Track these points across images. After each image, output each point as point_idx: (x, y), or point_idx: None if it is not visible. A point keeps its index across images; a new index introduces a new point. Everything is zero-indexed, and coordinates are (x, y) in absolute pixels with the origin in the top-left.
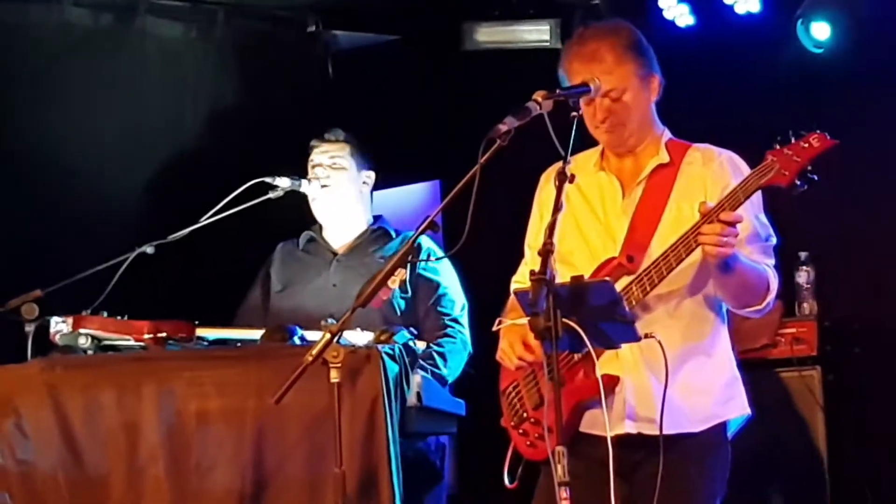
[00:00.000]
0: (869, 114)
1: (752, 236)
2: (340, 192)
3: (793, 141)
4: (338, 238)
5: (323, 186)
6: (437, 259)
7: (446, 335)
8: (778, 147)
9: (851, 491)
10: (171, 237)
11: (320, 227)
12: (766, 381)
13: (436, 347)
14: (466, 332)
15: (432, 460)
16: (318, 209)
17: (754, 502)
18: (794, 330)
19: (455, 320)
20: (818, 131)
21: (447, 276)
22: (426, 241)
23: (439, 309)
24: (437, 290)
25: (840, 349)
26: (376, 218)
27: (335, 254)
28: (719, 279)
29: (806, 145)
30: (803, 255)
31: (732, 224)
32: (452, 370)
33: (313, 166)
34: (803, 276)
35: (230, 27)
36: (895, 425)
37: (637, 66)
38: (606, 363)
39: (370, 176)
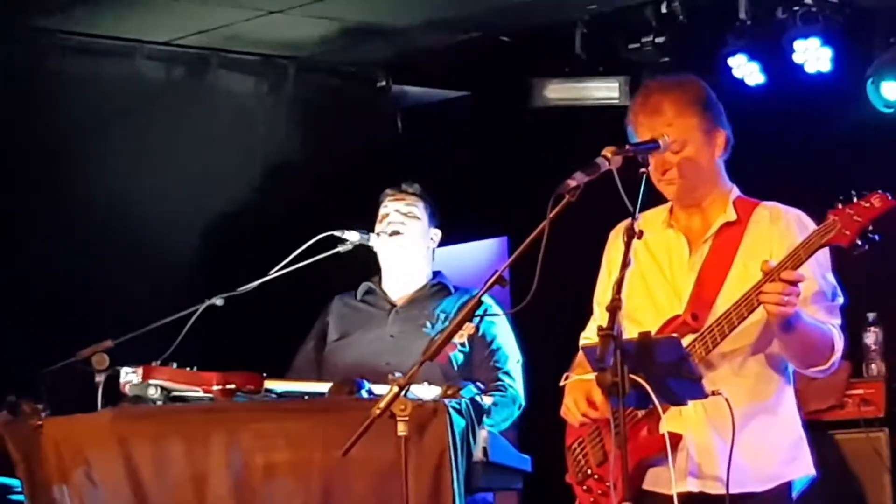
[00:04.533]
0: None
1: (818, 296)
2: (410, 242)
3: (855, 200)
4: (397, 289)
5: (394, 233)
6: (498, 315)
7: (497, 388)
8: (840, 206)
9: None
10: (241, 289)
11: (380, 278)
12: (833, 443)
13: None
14: (518, 386)
15: None
16: (386, 257)
17: None
18: (861, 391)
19: (507, 373)
20: (880, 191)
21: (502, 332)
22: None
23: (493, 363)
24: (490, 346)
25: None
26: (435, 273)
27: (393, 305)
28: (782, 338)
29: (867, 205)
30: (871, 315)
31: (794, 283)
32: (497, 423)
33: (386, 213)
34: (871, 337)
35: (300, 82)
36: None
37: (701, 120)
38: (669, 420)
39: (437, 234)
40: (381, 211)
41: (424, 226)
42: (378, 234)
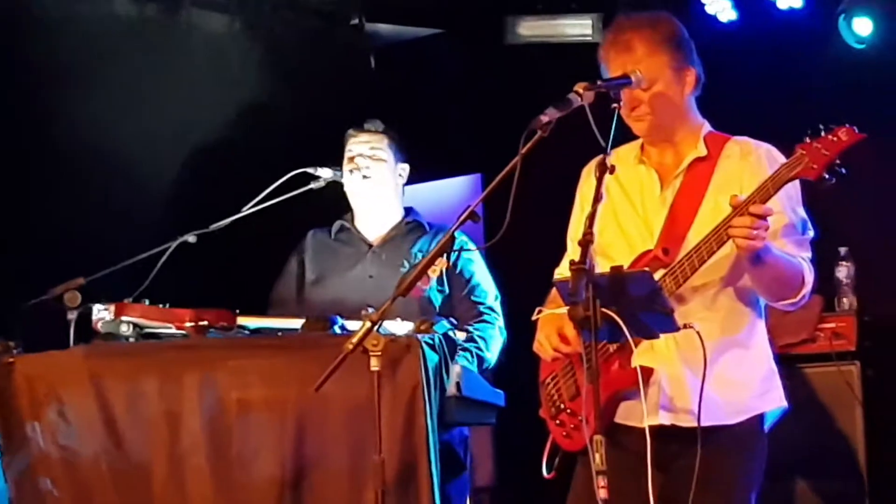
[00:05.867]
0: None
1: (788, 229)
2: (380, 184)
3: (822, 134)
4: (371, 229)
5: (364, 178)
6: (473, 250)
7: (483, 321)
8: (808, 140)
9: (890, 485)
10: (213, 226)
11: (352, 216)
12: (805, 376)
13: (477, 332)
14: (501, 320)
15: (456, 451)
16: (357, 199)
17: (791, 495)
18: (833, 325)
19: (490, 308)
20: (847, 125)
21: (479, 269)
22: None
23: (473, 298)
24: (469, 282)
25: (879, 344)
26: (408, 210)
27: (370, 245)
28: (752, 272)
29: (835, 139)
30: (843, 250)
31: (763, 217)
32: (493, 354)
33: (352, 156)
34: (843, 272)
35: (274, 19)
36: None
37: (670, 58)
38: (641, 354)
39: (405, 169)
40: (346, 151)
41: (391, 165)
42: (351, 172)
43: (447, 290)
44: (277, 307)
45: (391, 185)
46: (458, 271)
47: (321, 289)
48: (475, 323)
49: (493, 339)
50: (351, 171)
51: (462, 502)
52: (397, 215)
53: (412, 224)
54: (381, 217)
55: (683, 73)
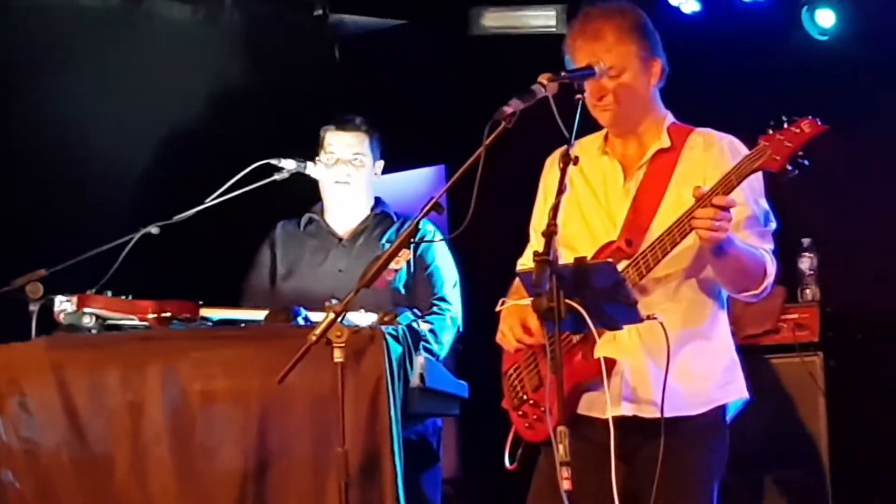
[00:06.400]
0: (873, 101)
1: (750, 220)
2: (359, 190)
3: (785, 126)
4: (341, 222)
5: (344, 183)
6: (437, 241)
7: (434, 312)
8: (771, 132)
9: (852, 476)
10: (176, 218)
11: (322, 208)
12: (768, 367)
13: (427, 325)
14: (455, 308)
15: (430, 442)
16: (330, 198)
17: (754, 485)
18: (796, 316)
19: (442, 298)
20: (810, 117)
21: (440, 255)
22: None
23: (429, 287)
24: (428, 269)
25: (842, 335)
26: (377, 201)
27: (340, 238)
28: (714, 263)
29: (797, 131)
30: (806, 241)
31: (725, 208)
32: (443, 346)
33: (335, 160)
34: (806, 263)
35: (238, 10)
36: None
37: (639, 47)
38: (604, 346)
39: (380, 165)
40: (326, 149)
41: (370, 167)
42: (316, 163)
43: (411, 274)
44: (251, 298)
45: (367, 187)
46: (418, 255)
47: (291, 282)
48: (427, 315)
49: (444, 331)
50: (316, 162)
51: (436, 493)
52: (367, 209)
53: (380, 215)
54: (351, 212)
55: (650, 63)
